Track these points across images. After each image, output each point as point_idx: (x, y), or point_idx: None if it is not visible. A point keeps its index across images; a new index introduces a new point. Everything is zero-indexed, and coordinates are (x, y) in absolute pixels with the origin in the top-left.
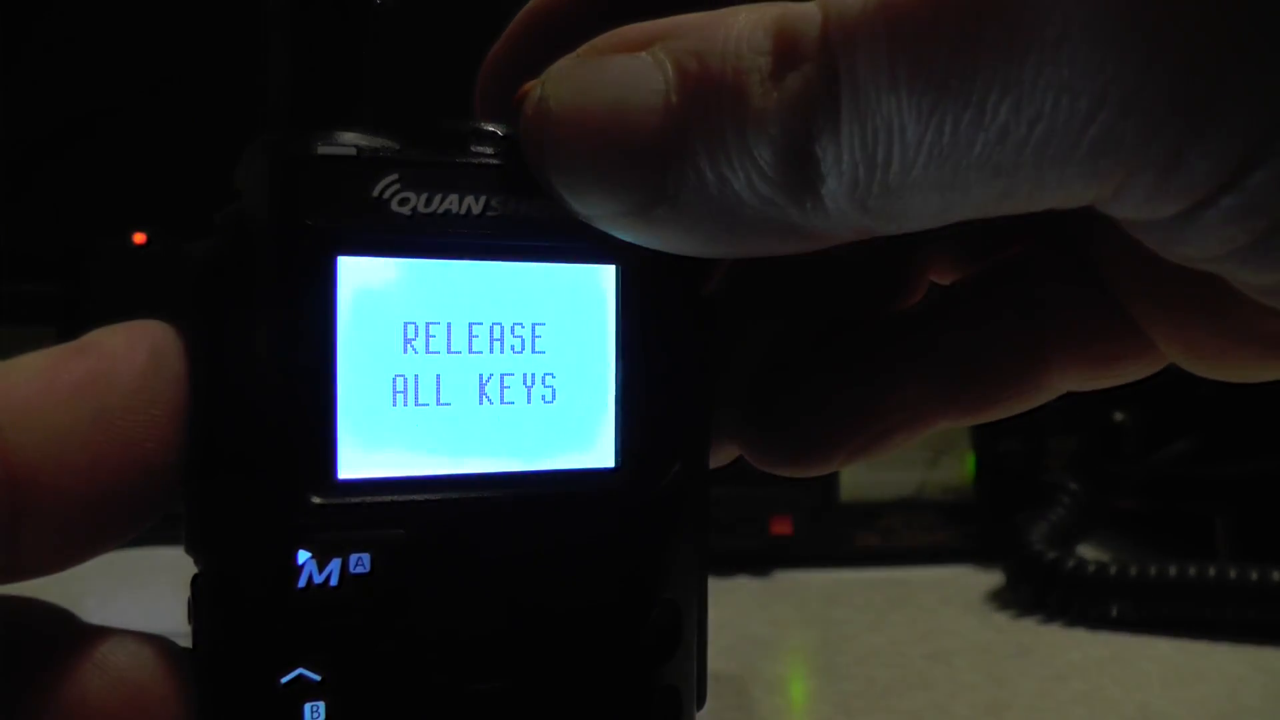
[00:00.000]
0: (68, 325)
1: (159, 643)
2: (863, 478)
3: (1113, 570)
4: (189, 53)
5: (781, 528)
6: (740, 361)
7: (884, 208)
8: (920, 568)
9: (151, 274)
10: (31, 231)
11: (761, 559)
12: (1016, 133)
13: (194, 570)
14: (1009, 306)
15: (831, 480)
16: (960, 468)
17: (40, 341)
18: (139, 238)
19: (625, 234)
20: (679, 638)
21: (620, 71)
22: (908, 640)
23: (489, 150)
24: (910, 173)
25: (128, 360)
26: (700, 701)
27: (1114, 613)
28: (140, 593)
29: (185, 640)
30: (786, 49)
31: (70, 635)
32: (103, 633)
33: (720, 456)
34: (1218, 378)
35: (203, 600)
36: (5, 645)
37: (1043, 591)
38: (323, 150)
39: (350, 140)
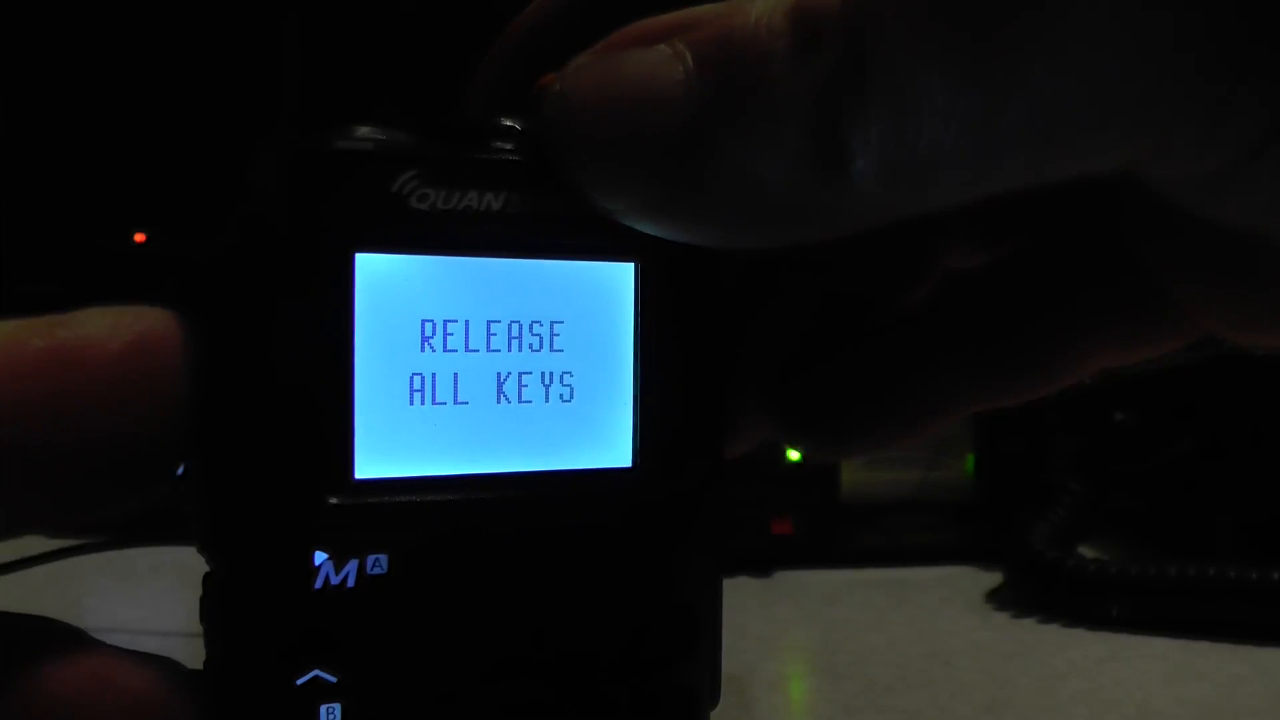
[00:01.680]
0: None
1: (169, 665)
2: (863, 478)
3: (1113, 570)
4: (189, 53)
5: (782, 528)
6: (768, 346)
7: (915, 184)
8: (920, 568)
9: (152, 274)
10: (31, 231)
11: (762, 559)
12: (1053, 93)
13: (199, 569)
14: (1040, 288)
15: (832, 480)
16: (960, 468)
17: None
18: (139, 238)
19: (652, 227)
20: (695, 638)
21: (640, 64)
22: (908, 639)
23: (509, 146)
24: (941, 145)
25: (104, 342)
26: (714, 700)
27: (1114, 612)
28: (140, 592)
29: (187, 639)
30: (808, 29)
31: (80, 654)
32: (114, 653)
33: (748, 441)
34: (1255, 345)
35: (215, 600)
36: (14, 662)
37: (1043, 591)
38: (340, 145)
39: (368, 135)
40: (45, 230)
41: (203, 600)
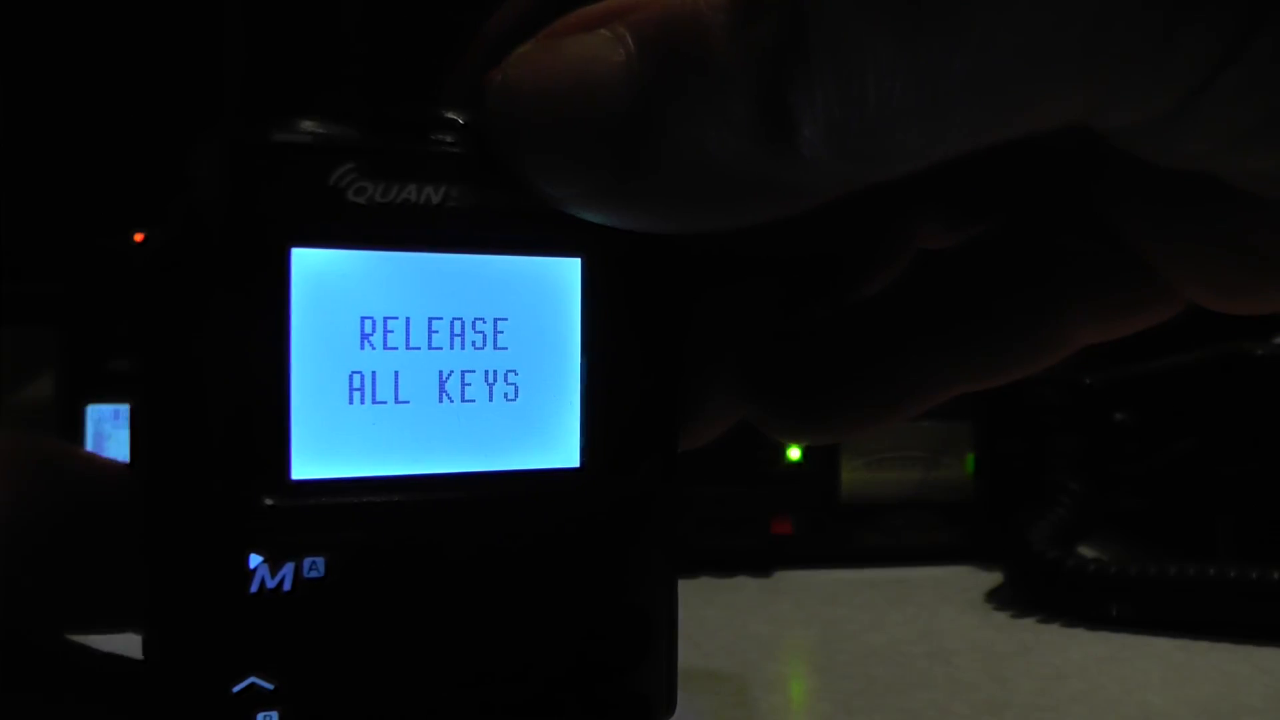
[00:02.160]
0: (68, 325)
1: None
2: (863, 478)
3: (1113, 570)
4: (190, 53)
5: (781, 527)
6: (743, 324)
7: (865, 149)
8: (920, 567)
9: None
10: (31, 231)
11: (762, 559)
12: (998, 44)
13: None
14: (1015, 264)
15: (832, 480)
16: (960, 468)
17: (41, 341)
18: (139, 237)
19: (601, 215)
20: (647, 645)
21: (580, 48)
22: (908, 639)
23: (450, 138)
24: (889, 104)
25: None
26: (671, 708)
27: (1114, 612)
28: None
29: None
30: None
31: None
32: None
33: (721, 425)
34: (1238, 311)
35: (154, 605)
36: None
37: (1043, 591)
38: (276, 137)
39: (306, 127)
40: (45, 230)
41: (143, 606)
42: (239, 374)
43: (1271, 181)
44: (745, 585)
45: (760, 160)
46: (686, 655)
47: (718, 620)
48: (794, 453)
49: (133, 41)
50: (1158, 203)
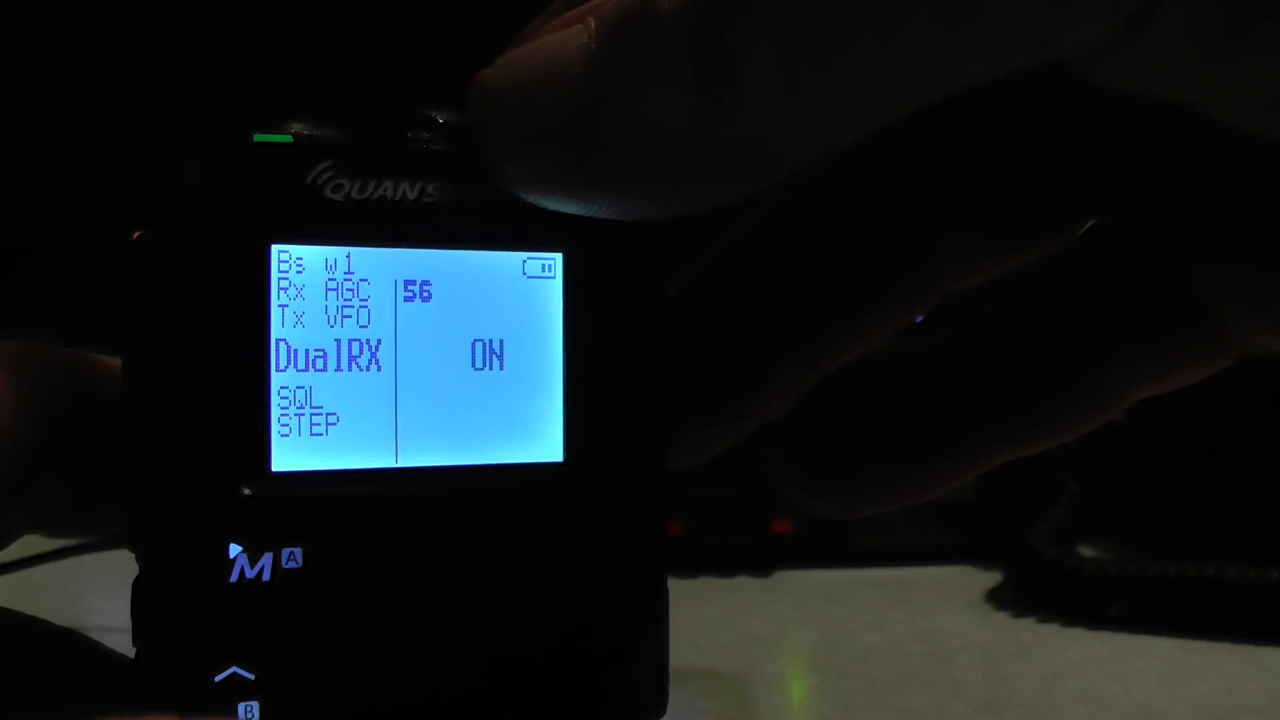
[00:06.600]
0: (68, 325)
1: None
2: None
3: (1112, 569)
4: (191, 53)
5: (781, 527)
6: (764, 397)
7: (815, 91)
8: (920, 567)
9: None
10: (31, 231)
11: (761, 558)
12: None
13: None
14: (1067, 324)
15: None
16: None
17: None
18: (135, 237)
19: (566, 202)
20: (631, 642)
21: (551, 39)
22: (907, 639)
23: (427, 135)
24: (838, 41)
25: None
26: (661, 708)
27: (1113, 612)
28: None
29: None
30: None
31: None
32: None
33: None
34: None
35: (140, 596)
36: None
37: (1042, 590)
38: (256, 138)
39: (287, 128)
40: (45, 229)
41: (132, 597)
42: (222, 367)
43: (1252, 106)
44: (745, 585)
45: (706, 115)
46: (687, 655)
47: (718, 620)
48: None
49: (134, 42)
50: (1225, 233)
